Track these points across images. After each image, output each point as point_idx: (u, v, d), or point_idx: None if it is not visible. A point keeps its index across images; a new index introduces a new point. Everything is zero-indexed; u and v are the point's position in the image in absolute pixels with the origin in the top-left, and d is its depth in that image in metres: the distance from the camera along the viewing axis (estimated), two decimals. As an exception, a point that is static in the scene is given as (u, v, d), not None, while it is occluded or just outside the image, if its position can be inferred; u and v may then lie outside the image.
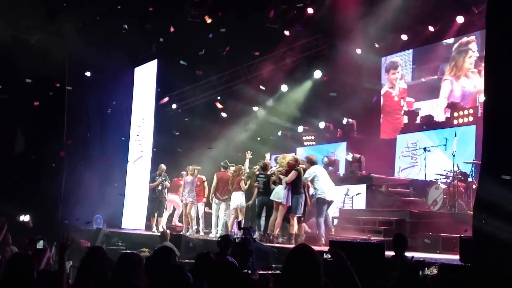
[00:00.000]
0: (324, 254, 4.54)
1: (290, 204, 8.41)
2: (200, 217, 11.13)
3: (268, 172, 9.17)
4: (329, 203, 8.78)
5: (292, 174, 8.39)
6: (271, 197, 8.71)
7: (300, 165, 8.59)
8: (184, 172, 11.28)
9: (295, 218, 8.40)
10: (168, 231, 8.95)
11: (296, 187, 8.42)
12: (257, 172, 9.40)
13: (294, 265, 2.55)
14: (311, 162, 8.68)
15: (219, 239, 6.00)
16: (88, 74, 13.77)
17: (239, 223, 7.59)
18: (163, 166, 11.88)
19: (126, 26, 12.31)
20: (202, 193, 11.04)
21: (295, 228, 8.36)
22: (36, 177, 12.67)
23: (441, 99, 12.31)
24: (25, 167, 12.71)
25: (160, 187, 11.67)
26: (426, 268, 5.18)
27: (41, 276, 3.77)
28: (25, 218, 10.26)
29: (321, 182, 8.52)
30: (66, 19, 12.25)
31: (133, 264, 3.40)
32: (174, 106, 15.74)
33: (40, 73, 12.25)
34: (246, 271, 5.44)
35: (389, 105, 13.72)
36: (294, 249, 2.67)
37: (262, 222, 9.32)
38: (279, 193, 8.54)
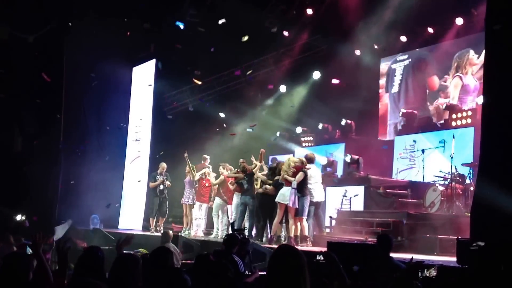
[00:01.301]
0: (317, 255, 4.54)
1: (297, 206, 8.37)
2: (203, 218, 10.87)
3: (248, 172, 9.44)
4: (316, 204, 8.81)
5: (300, 175, 8.39)
6: (276, 199, 8.60)
7: (307, 167, 8.61)
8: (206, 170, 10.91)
9: (304, 220, 8.41)
10: (171, 232, 8.73)
11: (302, 189, 8.42)
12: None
13: (277, 266, 2.54)
14: (309, 160, 8.91)
15: (225, 237, 6.00)
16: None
17: (232, 224, 7.56)
18: (164, 165, 11.47)
19: (128, 33, 12.31)
20: (208, 195, 10.83)
21: (306, 231, 8.37)
22: (32, 177, 12.60)
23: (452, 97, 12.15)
24: (21, 167, 12.66)
25: (161, 187, 11.27)
26: (425, 270, 5.16)
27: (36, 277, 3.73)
28: (21, 217, 10.22)
29: (310, 183, 8.68)
30: (63, 18, 12.21)
31: (130, 265, 3.38)
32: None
33: (37, 72, 12.21)
34: (246, 272, 5.43)
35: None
36: (278, 250, 2.66)
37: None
38: (284, 195, 8.48)
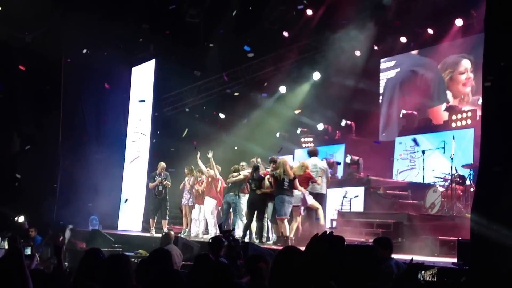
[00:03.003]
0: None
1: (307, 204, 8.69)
2: (202, 219, 10.74)
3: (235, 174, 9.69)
4: (315, 196, 8.86)
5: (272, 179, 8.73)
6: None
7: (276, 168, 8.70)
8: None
9: (285, 220, 8.48)
10: (173, 233, 8.53)
11: (277, 190, 8.58)
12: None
13: (278, 268, 2.52)
14: (309, 153, 9.26)
15: (210, 241, 5.95)
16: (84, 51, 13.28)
17: (219, 226, 7.52)
18: (162, 164, 11.20)
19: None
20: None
21: (287, 231, 8.46)
22: (31, 178, 12.57)
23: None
24: (20, 167, 12.64)
25: (160, 187, 11.03)
26: (424, 271, 5.13)
27: (32, 277, 3.69)
28: (20, 218, 10.19)
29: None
30: (62, 18, 12.19)
31: (123, 264, 3.38)
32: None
33: (35, 72, 12.20)
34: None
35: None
36: (280, 252, 2.64)
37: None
38: (296, 197, 8.65)
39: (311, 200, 8.75)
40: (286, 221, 8.45)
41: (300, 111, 14.07)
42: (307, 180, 8.76)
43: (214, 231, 10.22)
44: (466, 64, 11.96)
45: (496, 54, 5.21)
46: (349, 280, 2.62)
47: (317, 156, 9.26)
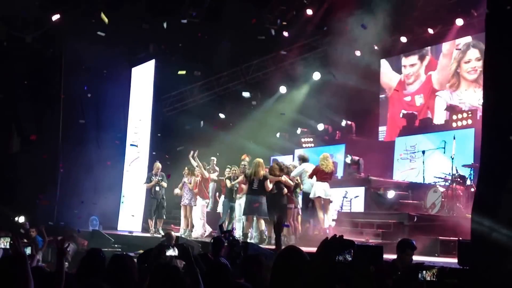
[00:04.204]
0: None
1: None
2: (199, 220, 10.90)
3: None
4: (313, 200, 8.87)
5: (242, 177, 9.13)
6: (319, 194, 8.72)
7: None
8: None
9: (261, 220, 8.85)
10: (173, 233, 8.60)
11: (247, 189, 8.98)
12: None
13: (279, 268, 2.51)
14: (302, 159, 9.27)
15: (211, 241, 5.98)
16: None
17: (220, 226, 7.54)
18: (158, 165, 11.32)
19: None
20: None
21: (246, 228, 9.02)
22: (31, 178, 12.57)
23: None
24: (20, 168, 12.63)
25: (157, 188, 11.10)
26: (425, 271, 5.11)
27: (33, 275, 3.68)
28: (20, 219, 10.19)
29: (307, 179, 8.93)
30: (62, 18, 12.17)
31: (127, 263, 3.39)
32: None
33: (35, 72, 12.19)
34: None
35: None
36: (281, 252, 2.64)
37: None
38: (326, 190, 8.76)
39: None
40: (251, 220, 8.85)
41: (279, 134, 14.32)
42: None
43: (203, 231, 10.28)
44: (473, 53, 11.81)
45: (497, 53, 5.21)
46: (355, 281, 2.61)
47: (308, 161, 9.32)
